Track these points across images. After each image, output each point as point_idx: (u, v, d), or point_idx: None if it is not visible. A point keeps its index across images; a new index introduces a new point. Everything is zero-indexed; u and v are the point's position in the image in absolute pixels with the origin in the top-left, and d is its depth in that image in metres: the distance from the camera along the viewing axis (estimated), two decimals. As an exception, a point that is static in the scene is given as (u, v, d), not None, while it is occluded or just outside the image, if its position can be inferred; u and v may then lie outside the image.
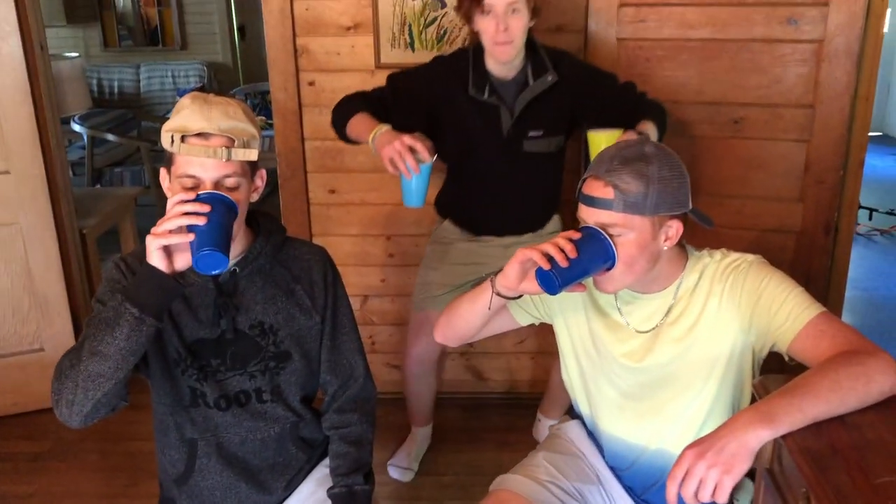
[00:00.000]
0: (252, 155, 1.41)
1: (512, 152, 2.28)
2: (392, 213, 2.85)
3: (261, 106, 5.83)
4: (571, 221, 2.07)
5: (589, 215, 1.41)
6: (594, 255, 1.38)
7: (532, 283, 1.43)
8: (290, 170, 2.80)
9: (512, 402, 3.06)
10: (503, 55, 2.15)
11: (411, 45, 2.63)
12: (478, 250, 2.44)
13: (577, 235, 1.40)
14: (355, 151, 2.75)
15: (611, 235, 1.39)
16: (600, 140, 2.07)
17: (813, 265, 2.60)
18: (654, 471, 1.59)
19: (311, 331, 1.61)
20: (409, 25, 2.61)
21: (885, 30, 2.54)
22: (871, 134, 2.70)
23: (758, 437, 1.15)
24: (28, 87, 2.73)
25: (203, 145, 1.38)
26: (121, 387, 1.38)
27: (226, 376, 1.55)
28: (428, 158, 1.99)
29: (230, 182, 1.41)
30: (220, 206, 1.36)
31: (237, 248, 1.53)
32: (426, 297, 2.47)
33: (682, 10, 2.47)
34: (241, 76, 7.35)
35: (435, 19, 2.60)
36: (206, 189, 1.39)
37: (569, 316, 1.64)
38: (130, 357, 1.35)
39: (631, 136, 2.01)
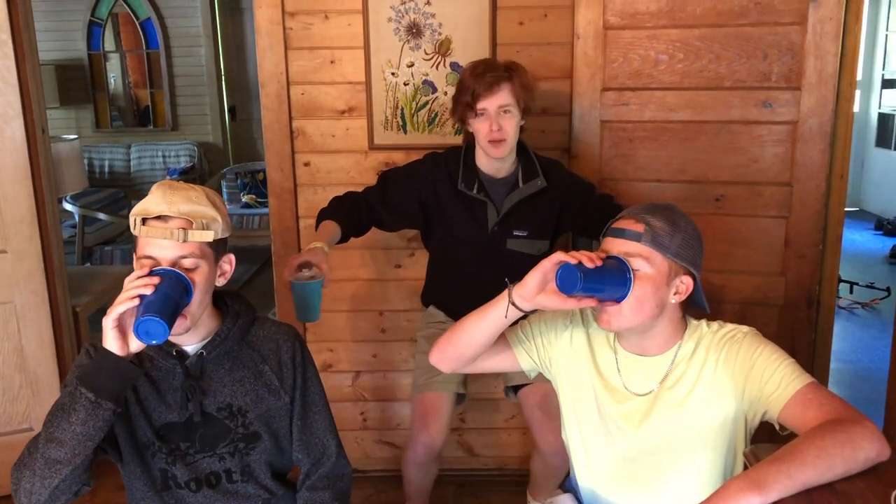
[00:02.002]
0: (207, 236, 1.41)
1: (496, 248, 2.34)
2: (384, 289, 2.89)
3: (251, 185, 5.94)
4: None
5: (615, 245, 1.50)
6: (613, 277, 1.46)
7: (549, 297, 1.47)
8: (284, 248, 2.85)
9: (506, 479, 3.04)
10: (497, 152, 2.24)
11: (403, 127, 2.73)
12: None
13: (602, 257, 1.48)
14: (348, 229, 2.82)
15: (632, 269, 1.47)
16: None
17: (797, 338, 2.65)
18: None
19: (281, 411, 1.60)
20: (402, 109, 2.72)
21: (856, 109, 2.66)
22: (847, 209, 2.79)
23: (748, 503, 1.18)
24: (28, 169, 2.78)
25: (161, 227, 1.40)
26: (80, 472, 1.37)
27: (195, 459, 1.54)
28: (319, 275, 2.00)
29: (188, 263, 1.42)
30: (170, 280, 1.37)
31: (204, 331, 1.54)
32: (428, 379, 2.44)
33: (663, 94, 2.59)
34: (230, 156, 7.49)
35: (426, 103, 2.71)
36: None
37: (571, 373, 1.68)
38: (88, 442, 1.34)
39: None
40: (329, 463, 1.66)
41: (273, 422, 1.60)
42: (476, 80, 2.21)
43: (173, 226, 1.40)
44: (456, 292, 2.45)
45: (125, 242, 5.40)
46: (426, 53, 2.67)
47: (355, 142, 2.77)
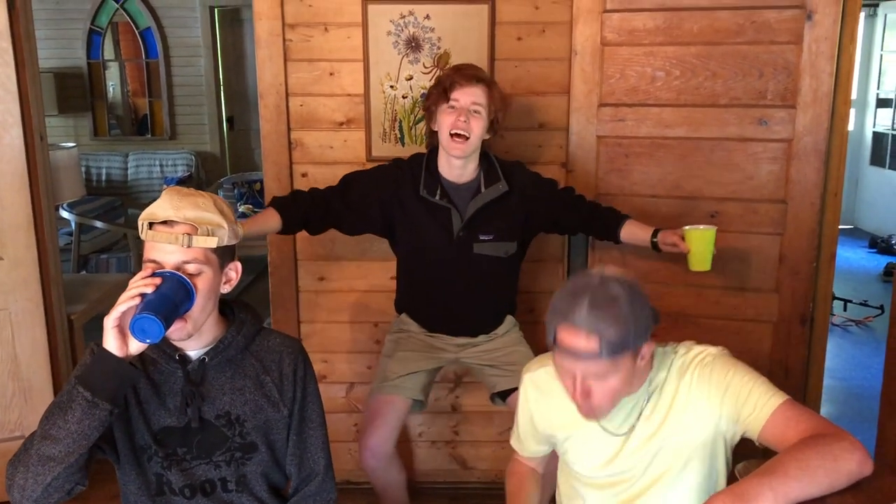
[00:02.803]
0: (211, 242, 1.43)
1: (462, 254, 2.35)
2: (379, 301, 2.89)
3: (248, 195, 5.94)
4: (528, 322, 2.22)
5: (573, 366, 1.44)
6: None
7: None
8: (280, 258, 2.86)
9: (499, 493, 3.02)
10: (457, 150, 2.25)
11: (401, 139, 2.75)
12: (433, 342, 2.49)
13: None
14: (345, 240, 2.81)
15: (590, 385, 1.45)
16: (695, 236, 2.24)
17: (790, 354, 2.66)
18: None
19: (279, 423, 1.60)
20: (400, 122, 2.73)
21: (850, 128, 2.68)
22: (841, 227, 2.81)
23: None
24: (26, 176, 2.79)
25: (166, 232, 1.41)
26: (74, 471, 1.37)
27: (191, 465, 1.54)
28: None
29: (191, 268, 1.43)
30: (171, 282, 1.38)
31: (208, 337, 1.54)
32: (382, 383, 2.46)
33: (659, 111, 2.61)
34: (228, 165, 7.50)
35: (424, 116, 2.72)
36: None
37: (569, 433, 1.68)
38: (83, 441, 1.34)
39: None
40: (315, 483, 1.65)
41: (271, 433, 1.60)
42: (457, 71, 2.26)
43: (178, 231, 1.42)
44: (426, 298, 2.47)
45: (121, 251, 5.39)
46: (425, 67, 2.69)
47: (353, 153, 2.78)
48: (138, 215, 4.80)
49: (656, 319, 1.50)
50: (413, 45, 2.67)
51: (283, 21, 2.69)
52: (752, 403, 1.43)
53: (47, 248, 2.92)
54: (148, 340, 1.34)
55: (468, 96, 2.22)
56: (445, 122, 2.25)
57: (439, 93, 2.26)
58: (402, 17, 2.66)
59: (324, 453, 1.66)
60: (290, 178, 2.79)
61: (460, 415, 3.03)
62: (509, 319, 2.54)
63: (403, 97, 2.71)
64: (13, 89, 2.73)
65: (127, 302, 1.34)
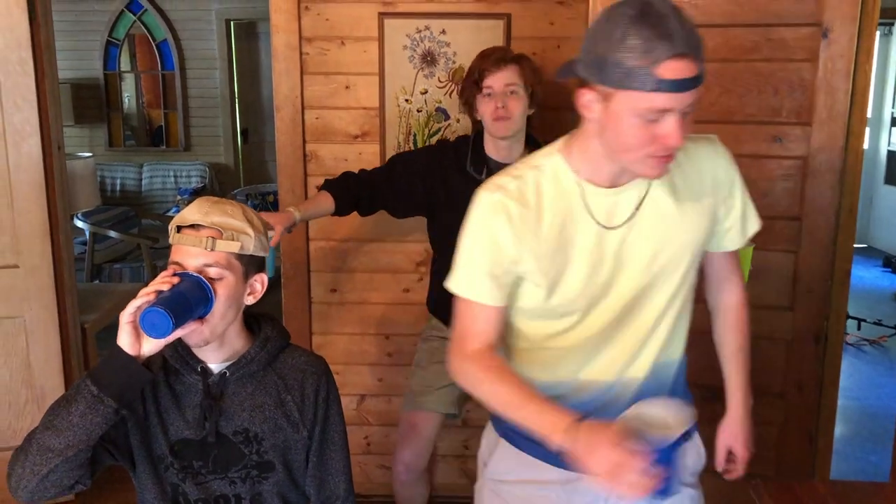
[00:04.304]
0: (234, 247, 1.43)
1: None
2: (391, 313, 2.90)
3: (261, 206, 5.97)
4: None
5: (679, 102, 1.25)
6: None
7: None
8: (293, 269, 2.87)
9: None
10: (501, 130, 2.24)
11: (415, 153, 2.76)
12: None
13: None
14: (358, 252, 2.83)
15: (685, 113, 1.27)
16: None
17: (804, 373, 2.64)
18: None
19: (297, 444, 1.57)
20: (414, 135, 2.75)
21: (865, 146, 2.67)
22: (856, 245, 2.79)
23: None
24: (43, 185, 2.82)
25: (193, 235, 1.43)
26: (73, 467, 1.36)
27: (207, 479, 1.53)
28: (275, 236, 2.02)
29: (213, 272, 1.43)
30: (189, 282, 1.38)
31: (230, 350, 1.53)
32: (415, 398, 2.46)
33: (674, 127, 2.61)
34: (241, 177, 7.55)
35: (438, 130, 2.74)
36: None
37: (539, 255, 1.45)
38: (83, 436, 1.33)
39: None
40: None
41: (289, 453, 1.57)
42: (483, 59, 2.24)
43: (203, 234, 1.43)
44: None
45: (135, 261, 5.42)
46: (440, 81, 2.71)
47: (367, 166, 2.77)
48: (152, 226, 4.91)
49: None
50: (428, 59, 2.69)
51: (300, 34, 2.71)
52: (738, 221, 1.56)
53: (62, 257, 2.95)
54: (157, 336, 1.32)
55: (500, 80, 2.20)
56: (485, 111, 2.24)
57: (471, 84, 2.25)
58: (418, 31, 2.67)
59: (345, 477, 1.63)
60: (304, 190, 2.81)
61: (470, 429, 3.01)
62: None
63: (418, 111, 2.73)
64: (32, 99, 2.76)
65: (143, 297, 1.34)
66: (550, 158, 1.45)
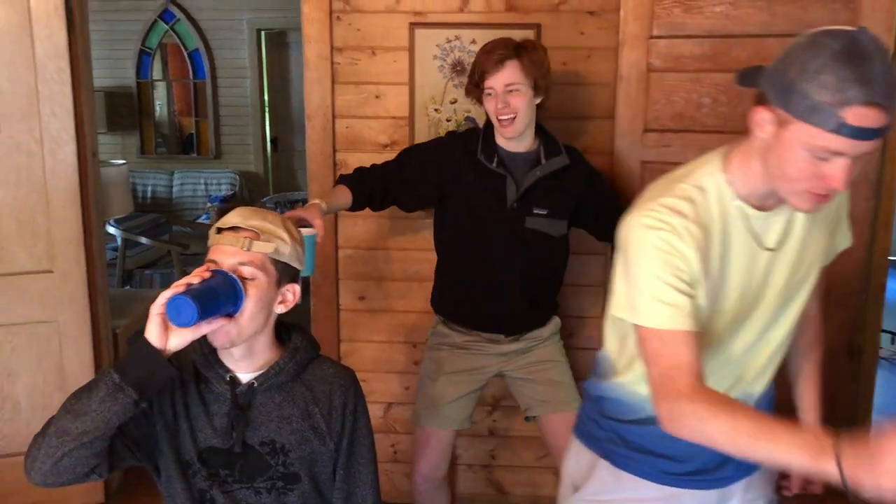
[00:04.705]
0: (269, 248, 1.46)
1: (514, 226, 2.29)
2: (418, 321, 2.90)
3: (290, 214, 6.02)
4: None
5: (852, 148, 1.20)
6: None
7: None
8: (322, 276, 2.88)
9: (534, 518, 3.01)
10: (508, 132, 2.23)
11: (445, 162, 2.76)
12: (475, 358, 2.42)
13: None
14: (386, 260, 2.84)
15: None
16: None
17: (838, 388, 2.60)
18: None
19: (324, 456, 1.57)
20: (444, 144, 2.75)
21: (901, 159, 2.63)
22: (891, 258, 2.76)
23: None
24: (78, 191, 2.86)
25: (231, 236, 1.46)
26: (88, 454, 1.35)
27: (233, 487, 1.53)
28: (317, 230, 2.00)
29: (246, 271, 1.45)
30: (221, 277, 1.40)
31: (259, 360, 1.54)
32: (426, 412, 2.44)
33: (706, 137, 2.58)
34: (270, 185, 7.61)
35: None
36: None
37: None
38: (100, 423, 1.33)
39: None
40: None
41: (315, 466, 1.56)
42: (484, 57, 2.21)
43: (241, 235, 1.46)
44: (472, 284, 2.37)
45: (165, 267, 5.48)
46: (470, 91, 2.71)
47: (397, 175, 2.80)
48: (182, 232, 4.97)
49: None
50: (458, 69, 2.69)
51: (331, 44, 2.73)
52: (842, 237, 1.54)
53: (95, 263, 2.99)
54: (178, 323, 1.33)
55: (500, 81, 2.18)
56: (489, 108, 2.24)
57: (474, 84, 2.25)
58: (449, 41, 2.68)
59: (372, 490, 1.62)
60: (334, 198, 2.82)
61: (498, 439, 3.01)
62: (555, 322, 2.49)
63: (447, 120, 2.73)
64: (69, 107, 2.80)
65: (173, 290, 1.35)
66: (713, 179, 1.43)
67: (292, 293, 1.54)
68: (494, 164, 2.27)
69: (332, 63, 2.75)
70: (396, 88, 2.76)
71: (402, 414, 3.00)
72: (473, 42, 2.66)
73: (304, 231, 1.94)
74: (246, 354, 1.53)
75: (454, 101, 2.72)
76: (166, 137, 7.59)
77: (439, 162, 2.33)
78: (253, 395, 1.53)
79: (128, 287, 5.23)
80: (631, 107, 2.63)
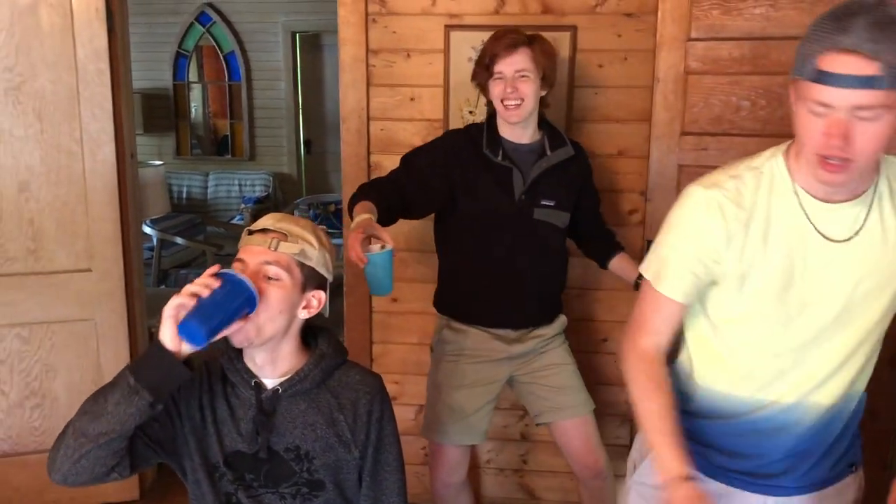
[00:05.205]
0: (295, 248, 1.46)
1: (523, 220, 2.28)
2: (451, 325, 2.89)
3: (322, 216, 6.04)
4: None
5: (841, 98, 1.21)
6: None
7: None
8: (355, 278, 2.88)
9: (565, 524, 2.99)
10: (513, 116, 2.21)
11: (479, 164, 2.75)
12: (488, 371, 2.37)
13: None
14: (419, 262, 2.83)
15: (867, 118, 1.21)
16: None
17: (879, 398, 2.51)
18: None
19: (349, 464, 1.56)
20: (478, 146, 2.74)
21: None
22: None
23: None
24: (116, 192, 2.90)
25: (260, 237, 1.48)
26: (107, 454, 1.35)
27: (258, 492, 1.53)
28: (388, 242, 1.94)
29: (271, 271, 1.45)
30: (230, 285, 1.38)
31: (285, 366, 1.54)
32: (440, 428, 2.40)
33: (744, 141, 2.55)
34: (304, 187, 7.65)
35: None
36: (247, 273, 1.44)
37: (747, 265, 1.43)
38: (117, 425, 1.32)
39: None
40: None
41: (340, 473, 1.56)
42: (495, 42, 2.21)
43: (270, 237, 1.47)
44: (481, 278, 2.33)
45: (199, 267, 5.54)
46: (505, 93, 2.69)
47: (431, 177, 2.80)
48: (217, 233, 5.03)
49: None
50: (494, 71, 2.68)
51: (366, 47, 2.74)
52: None
53: (133, 263, 3.02)
54: (193, 345, 1.34)
55: (510, 66, 2.17)
56: (495, 93, 2.22)
57: (483, 68, 2.23)
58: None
59: (399, 498, 1.60)
60: (368, 200, 2.82)
61: (530, 443, 2.99)
62: (561, 320, 2.46)
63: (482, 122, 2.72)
64: (108, 108, 2.84)
65: (184, 297, 1.34)
66: (773, 161, 1.44)
67: (318, 300, 1.54)
68: (500, 158, 2.26)
69: (368, 65, 2.75)
70: (431, 91, 2.76)
71: (433, 416, 2.99)
72: (509, 44, 2.65)
73: (375, 249, 1.91)
74: (269, 360, 1.53)
75: (489, 104, 2.70)
76: (201, 139, 7.68)
77: (446, 158, 2.30)
78: (278, 400, 1.52)
79: (163, 286, 5.29)
80: (668, 110, 2.60)
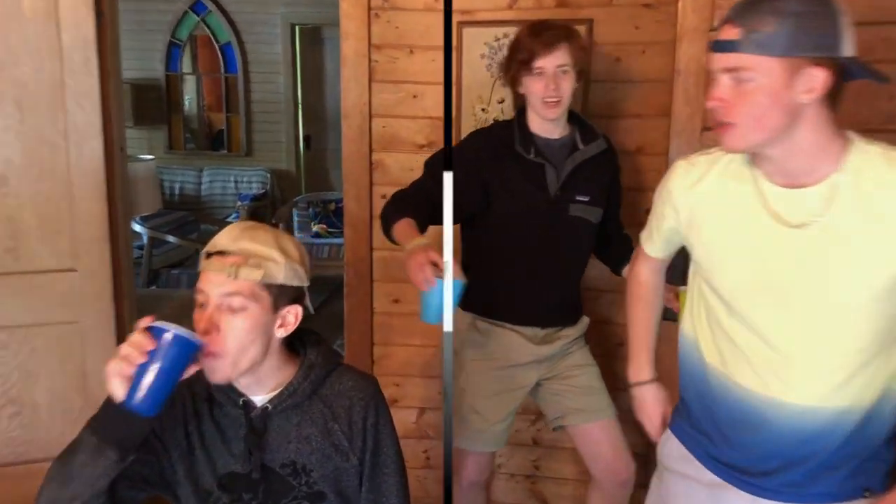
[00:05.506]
0: (256, 275, 1.35)
1: (558, 215, 2.22)
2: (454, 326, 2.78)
3: (322, 214, 5.89)
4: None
5: (717, 61, 1.33)
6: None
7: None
8: (357, 279, 2.80)
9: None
10: (552, 113, 2.15)
11: (487, 161, 2.63)
12: (519, 375, 2.31)
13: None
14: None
15: (741, 81, 1.30)
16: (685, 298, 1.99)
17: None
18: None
19: (349, 472, 1.51)
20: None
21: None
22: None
23: None
24: (104, 188, 2.75)
25: (219, 261, 1.36)
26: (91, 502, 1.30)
27: None
28: (461, 276, 1.81)
29: (235, 302, 1.35)
30: (167, 343, 1.25)
31: (272, 382, 1.47)
32: (472, 433, 2.33)
33: (768, 137, 2.43)
34: (303, 184, 7.51)
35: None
36: (210, 307, 1.34)
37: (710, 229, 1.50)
38: (87, 487, 1.27)
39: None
40: None
41: (341, 482, 1.51)
42: (534, 38, 2.13)
43: (228, 261, 1.35)
44: (513, 276, 2.27)
45: (192, 266, 5.40)
46: (518, 90, 2.58)
47: (434, 176, 2.69)
48: (211, 231, 4.85)
49: (877, 76, 1.34)
50: (507, 67, 2.56)
51: (369, 42, 2.65)
52: None
53: (121, 262, 2.88)
54: (146, 416, 1.25)
55: (552, 62, 2.10)
56: (535, 90, 2.14)
57: (520, 63, 2.14)
58: (497, 39, 2.57)
59: (399, 500, 1.56)
60: (369, 199, 2.74)
61: (542, 449, 2.90)
62: (584, 322, 2.40)
63: (495, 120, 2.60)
64: (96, 99, 2.70)
65: (121, 363, 1.23)
66: None
67: (294, 315, 1.45)
68: (532, 154, 2.20)
69: (370, 61, 2.67)
70: (434, 88, 2.67)
71: (435, 419, 2.92)
72: (522, 37, 2.52)
73: (447, 278, 1.67)
74: (254, 381, 1.46)
75: (502, 101, 2.60)
76: (195, 133, 7.52)
77: (479, 160, 2.21)
78: (268, 418, 1.46)
79: (154, 287, 5.15)
80: (689, 104, 2.48)
